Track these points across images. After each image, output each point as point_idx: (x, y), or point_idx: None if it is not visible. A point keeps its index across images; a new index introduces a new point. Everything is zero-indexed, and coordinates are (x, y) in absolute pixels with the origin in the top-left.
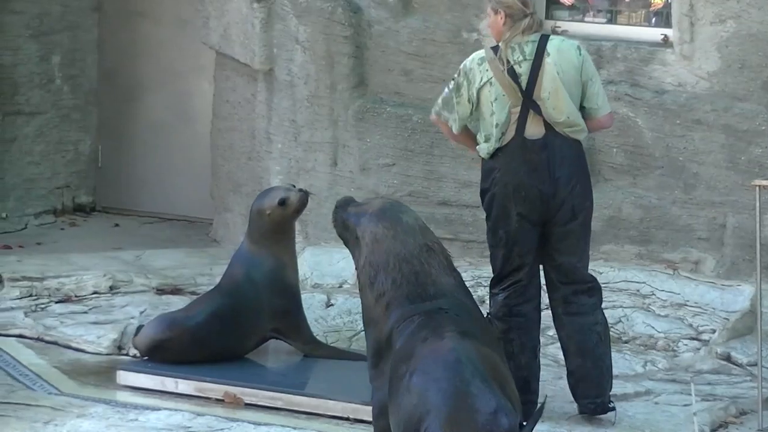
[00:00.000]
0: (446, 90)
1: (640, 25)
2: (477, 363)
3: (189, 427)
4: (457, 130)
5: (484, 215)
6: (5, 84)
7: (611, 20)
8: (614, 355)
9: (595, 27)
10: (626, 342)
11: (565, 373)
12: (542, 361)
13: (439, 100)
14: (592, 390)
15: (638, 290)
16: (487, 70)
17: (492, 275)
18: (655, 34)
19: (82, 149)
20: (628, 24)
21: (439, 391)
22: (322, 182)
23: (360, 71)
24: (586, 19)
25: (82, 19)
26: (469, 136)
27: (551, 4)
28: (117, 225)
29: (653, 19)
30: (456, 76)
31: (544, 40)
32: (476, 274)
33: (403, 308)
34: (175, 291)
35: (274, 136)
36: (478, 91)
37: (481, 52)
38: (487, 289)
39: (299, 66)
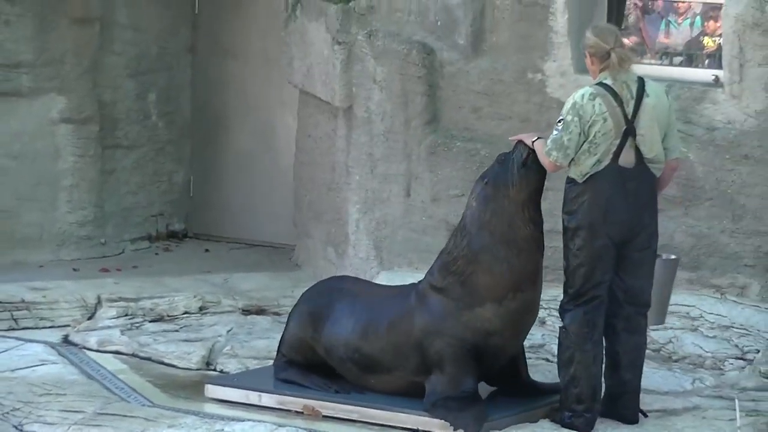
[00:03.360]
0: (555, 132)
1: (694, 67)
2: None
3: None
4: (566, 163)
5: (557, 245)
6: (106, 120)
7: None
8: (665, 373)
9: (653, 68)
10: (676, 361)
11: None
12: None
13: (549, 143)
14: (635, 401)
15: (688, 313)
16: (600, 104)
17: (565, 292)
18: (706, 75)
19: (175, 180)
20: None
21: None
22: (396, 211)
23: (432, 108)
24: (643, 60)
25: (177, 60)
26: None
27: None
28: (207, 250)
29: (706, 62)
30: (564, 116)
31: (642, 82)
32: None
33: None
34: (260, 311)
35: (352, 169)
36: (589, 125)
37: (587, 89)
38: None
39: (376, 104)
